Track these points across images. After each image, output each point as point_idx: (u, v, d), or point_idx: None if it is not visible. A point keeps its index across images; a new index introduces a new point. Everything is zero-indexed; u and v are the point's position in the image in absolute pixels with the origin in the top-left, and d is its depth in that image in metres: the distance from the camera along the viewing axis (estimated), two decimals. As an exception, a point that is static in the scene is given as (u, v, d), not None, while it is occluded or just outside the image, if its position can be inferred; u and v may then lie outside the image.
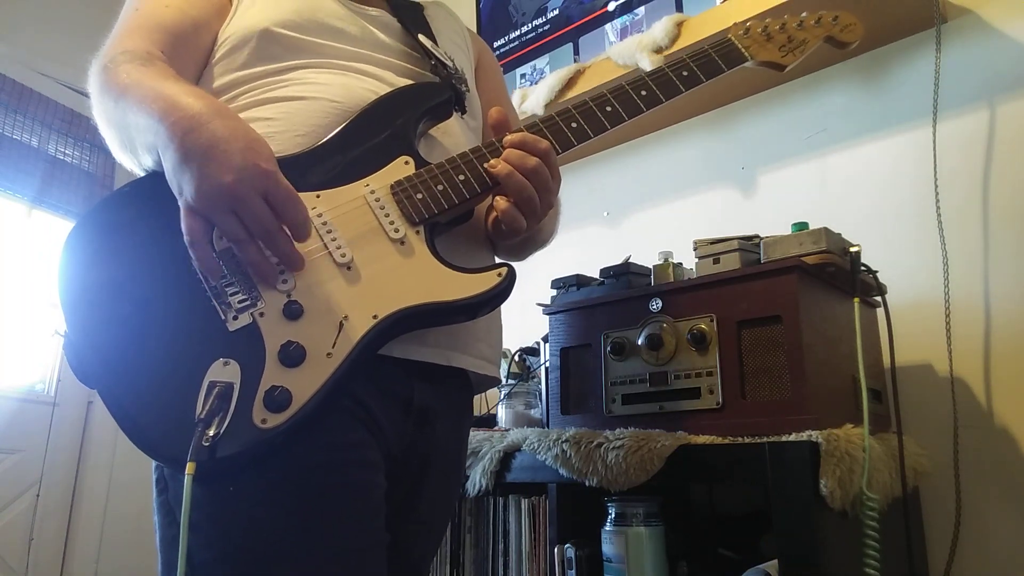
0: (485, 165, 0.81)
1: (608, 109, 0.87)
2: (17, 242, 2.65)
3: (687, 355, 1.13)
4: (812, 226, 1.12)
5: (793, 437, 0.96)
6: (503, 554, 1.33)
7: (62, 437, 2.64)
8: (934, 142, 1.42)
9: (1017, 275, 1.31)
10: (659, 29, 1.63)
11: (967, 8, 1.45)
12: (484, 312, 0.80)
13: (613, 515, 1.13)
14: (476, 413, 1.70)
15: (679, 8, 1.77)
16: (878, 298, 1.23)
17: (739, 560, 1.12)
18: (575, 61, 1.96)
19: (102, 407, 0.68)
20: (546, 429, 1.27)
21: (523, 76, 2.13)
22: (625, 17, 1.90)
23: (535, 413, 1.52)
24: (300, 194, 0.72)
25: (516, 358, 1.62)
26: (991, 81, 1.40)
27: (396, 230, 0.77)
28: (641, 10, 1.86)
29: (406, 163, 0.82)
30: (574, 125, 0.86)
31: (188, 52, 0.87)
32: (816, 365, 1.03)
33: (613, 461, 1.07)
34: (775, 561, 0.94)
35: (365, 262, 0.75)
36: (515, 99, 1.90)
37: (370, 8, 0.97)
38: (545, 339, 1.42)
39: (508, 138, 0.82)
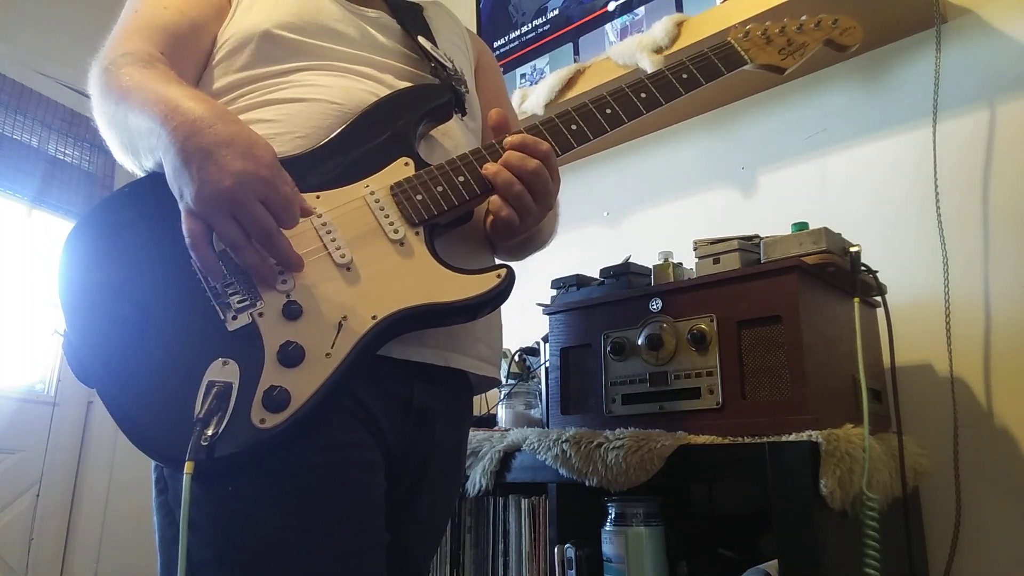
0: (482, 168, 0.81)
1: (608, 111, 0.87)
2: (17, 242, 2.65)
3: (687, 355, 1.13)
4: (812, 226, 1.12)
5: (793, 437, 0.96)
6: (503, 554, 1.33)
7: (62, 437, 2.64)
8: (934, 142, 1.42)
9: (1017, 275, 1.31)
10: (659, 29, 1.63)
11: (967, 8, 1.45)
12: (484, 313, 0.80)
13: (613, 515, 1.13)
14: (476, 413, 1.70)
15: (679, 8, 1.77)
16: (878, 298, 1.23)
17: (739, 560, 1.12)
18: (575, 61, 1.96)
19: (102, 407, 0.68)
20: (546, 429, 1.27)
21: (523, 76, 2.13)
22: (625, 17, 1.90)
23: (535, 413, 1.52)
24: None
25: (516, 358, 1.62)
26: (991, 81, 1.40)
27: (396, 231, 0.77)
28: (641, 10, 1.86)
29: (406, 164, 0.82)
30: (573, 127, 0.86)
31: (188, 53, 0.87)
32: (816, 365, 1.03)
33: (613, 461, 1.07)
34: (775, 561, 0.94)
35: (364, 263, 0.75)
36: (515, 99, 1.90)
37: (369, 10, 0.97)
38: (545, 339, 1.42)
39: (508, 140, 0.82)
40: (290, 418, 0.66)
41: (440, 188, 0.80)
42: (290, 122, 0.82)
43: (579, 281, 1.35)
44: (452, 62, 0.96)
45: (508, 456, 1.29)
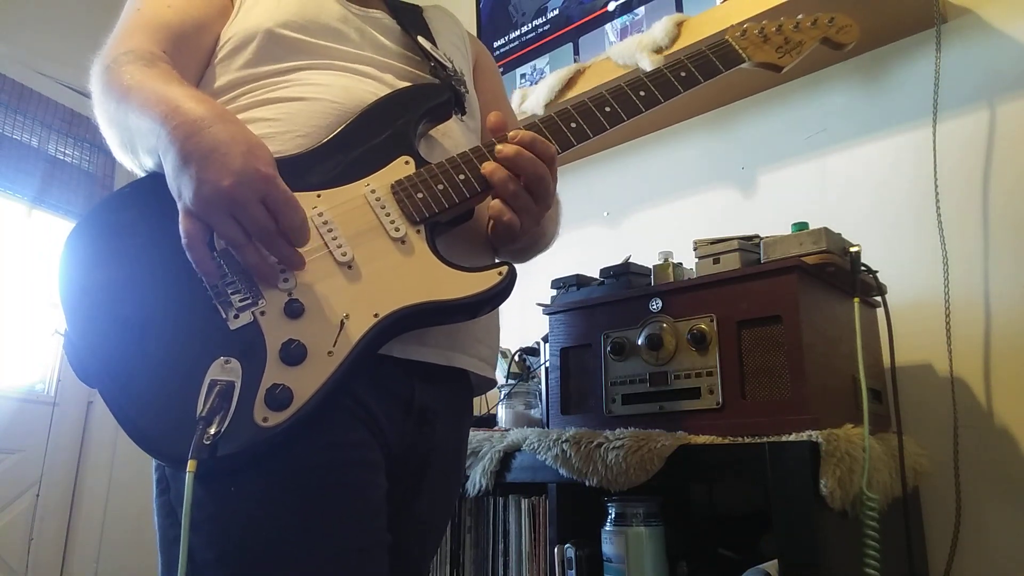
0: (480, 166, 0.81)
1: (607, 109, 0.88)
2: (17, 242, 2.65)
3: (687, 355, 1.13)
4: (812, 226, 1.12)
5: (793, 437, 0.96)
6: (503, 554, 1.33)
7: (62, 437, 2.64)
8: (934, 142, 1.42)
9: (1017, 275, 1.31)
10: (659, 29, 1.63)
11: (967, 8, 1.45)
12: (485, 311, 0.80)
13: (613, 515, 1.13)
14: (476, 413, 1.70)
15: (679, 8, 1.77)
16: (878, 298, 1.23)
17: (739, 560, 1.12)
18: (575, 61, 1.96)
19: (102, 407, 0.68)
20: (546, 429, 1.27)
21: (523, 76, 2.13)
22: (625, 17, 1.90)
23: (535, 413, 1.52)
24: (300, 194, 0.73)
25: (516, 358, 1.62)
26: (991, 81, 1.40)
27: (397, 229, 0.77)
28: (641, 10, 1.86)
29: (406, 163, 0.82)
30: (573, 125, 0.86)
31: (190, 52, 0.87)
32: (816, 365, 1.03)
33: (613, 461, 1.07)
34: (775, 561, 0.94)
35: (366, 261, 0.75)
36: (515, 99, 1.90)
37: (370, 11, 0.98)
38: (545, 339, 1.42)
39: (518, 137, 0.81)
40: (293, 416, 0.66)
41: (441, 186, 0.80)
42: (290, 121, 0.82)
43: (579, 281, 1.35)
44: (452, 62, 0.97)
45: (508, 456, 1.29)
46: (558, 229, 1.03)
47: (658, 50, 1.62)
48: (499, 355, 1.65)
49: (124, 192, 0.78)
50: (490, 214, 0.81)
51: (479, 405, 1.75)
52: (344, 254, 0.75)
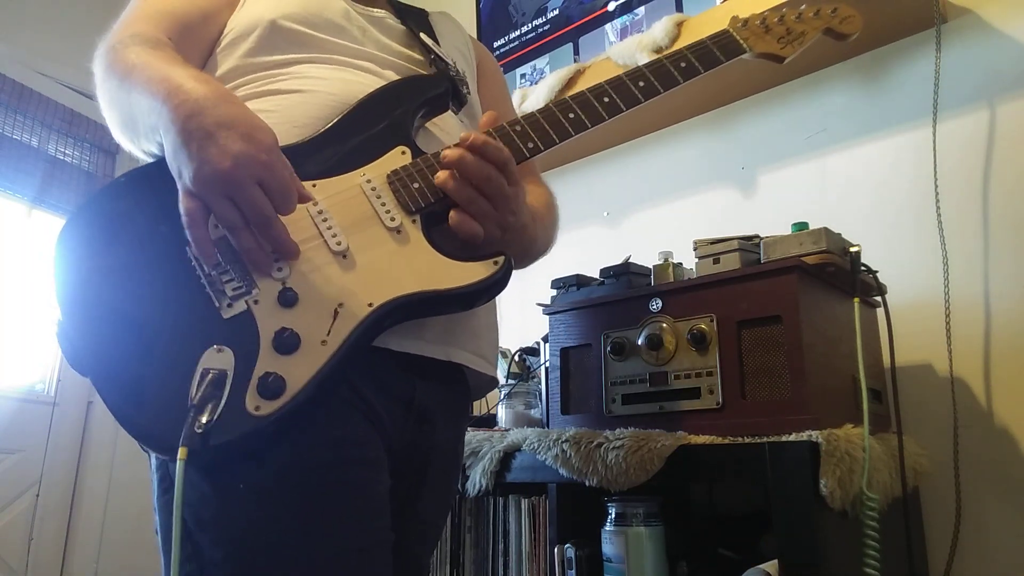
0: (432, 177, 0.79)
1: (606, 100, 0.87)
2: (17, 242, 2.65)
3: (687, 355, 1.13)
4: (812, 226, 1.12)
5: (793, 437, 0.96)
6: (503, 554, 1.33)
7: (62, 437, 2.64)
8: (934, 142, 1.42)
9: (1017, 275, 1.31)
10: (659, 29, 1.63)
11: (967, 8, 1.45)
12: (482, 301, 0.79)
13: (613, 515, 1.13)
14: (476, 413, 1.70)
15: (679, 8, 1.77)
16: (878, 298, 1.23)
17: (739, 560, 1.12)
18: (575, 61, 1.96)
19: (102, 407, 0.68)
20: (546, 429, 1.27)
21: (523, 76, 2.13)
22: (625, 17, 1.90)
23: (535, 413, 1.52)
24: None
25: (516, 358, 1.62)
26: (991, 81, 1.40)
27: (392, 219, 0.77)
28: (641, 10, 1.86)
29: (403, 153, 0.82)
30: (571, 116, 0.85)
31: (195, 42, 0.88)
32: (816, 365, 1.03)
33: (613, 461, 1.07)
34: (775, 561, 0.94)
35: (360, 250, 0.75)
36: (515, 99, 1.90)
37: (375, 10, 0.98)
38: (545, 339, 1.42)
39: (468, 140, 0.77)
40: (285, 405, 0.65)
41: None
42: (287, 112, 0.82)
43: (579, 281, 1.35)
44: (454, 62, 0.97)
45: (508, 456, 1.29)
46: (554, 235, 1.01)
47: (658, 50, 1.62)
48: (499, 355, 1.66)
49: (120, 182, 0.78)
50: (450, 224, 0.77)
51: (479, 405, 1.76)
52: (339, 243, 0.75)
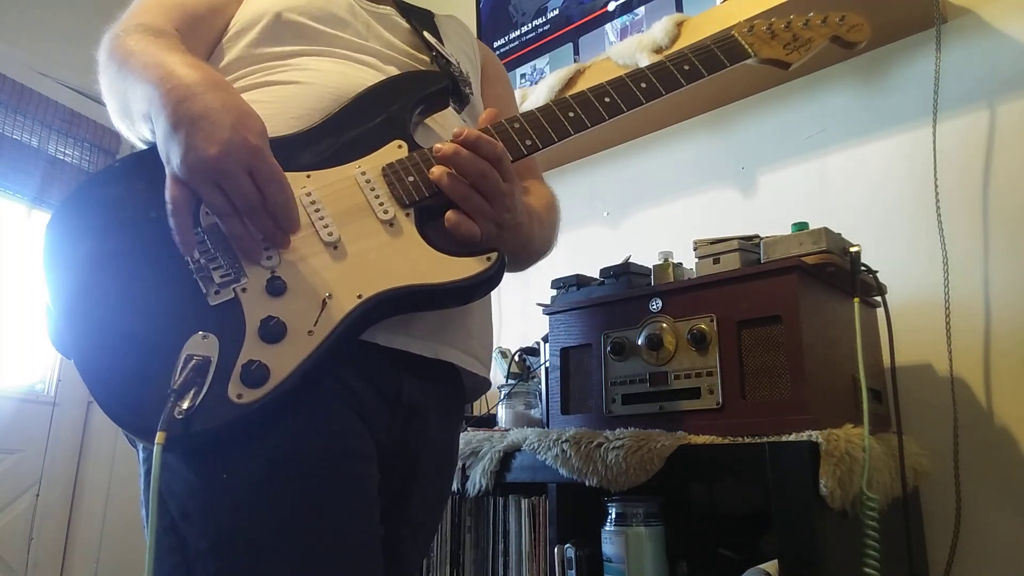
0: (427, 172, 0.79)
1: (607, 100, 0.86)
2: (17, 242, 2.65)
3: (687, 355, 1.13)
4: (812, 226, 1.12)
5: (793, 437, 0.96)
6: (503, 554, 1.33)
7: (62, 437, 2.64)
8: (934, 142, 1.42)
9: (1017, 275, 1.31)
10: (659, 29, 1.63)
11: (967, 8, 1.45)
12: (475, 298, 0.79)
13: (613, 515, 1.13)
14: (476, 413, 1.70)
15: (679, 8, 1.77)
16: (878, 298, 1.23)
17: (739, 560, 1.12)
18: (575, 61, 1.96)
19: (103, 407, 0.67)
20: (546, 429, 1.27)
21: (523, 76, 2.13)
22: (625, 17, 1.90)
23: (535, 413, 1.52)
24: (290, 174, 0.72)
25: (516, 358, 1.62)
26: (991, 81, 1.40)
27: (385, 211, 0.77)
28: (641, 10, 1.86)
29: (399, 147, 0.82)
30: (571, 115, 0.85)
31: (202, 33, 0.89)
32: (816, 365, 1.03)
33: (613, 461, 1.07)
34: (775, 561, 0.94)
35: (352, 241, 0.75)
36: (515, 99, 1.90)
37: (380, 6, 0.98)
38: (545, 339, 1.42)
39: (462, 135, 0.77)
40: (269, 394, 0.65)
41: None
42: (285, 103, 0.82)
43: (579, 281, 1.35)
44: (458, 62, 0.97)
45: (508, 456, 1.29)
46: (554, 235, 1.00)
47: (658, 50, 1.62)
48: (499, 355, 1.66)
49: (113, 167, 0.78)
50: (446, 224, 0.76)
51: (479, 405, 1.76)
52: (330, 234, 0.74)
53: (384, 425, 0.79)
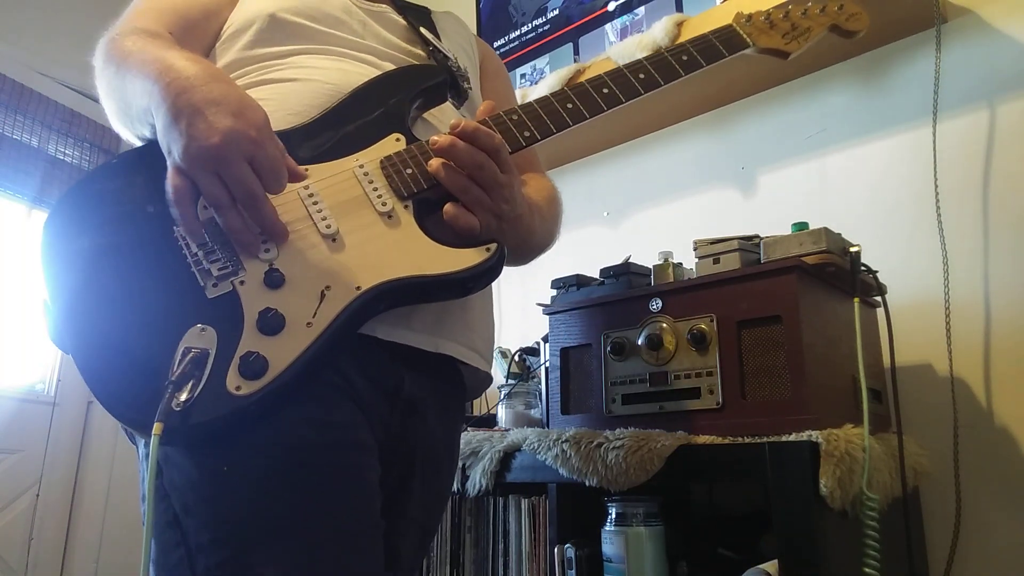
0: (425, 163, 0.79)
1: (605, 91, 0.86)
2: (17, 242, 2.65)
3: (687, 355, 1.12)
4: (812, 226, 1.12)
5: (793, 437, 0.96)
6: (503, 554, 1.33)
7: (62, 437, 2.64)
8: (934, 142, 1.42)
9: (1017, 275, 1.31)
10: (659, 29, 1.63)
11: (967, 8, 1.45)
12: (474, 289, 0.78)
13: (613, 515, 1.13)
14: (476, 413, 1.70)
15: (679, 8, 1.77)
16: (878, 298, 1.23)
17: (739, 560, 1.12)
18: (575, 61, 1.96)
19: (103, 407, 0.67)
20: (546, 429, 1.27)
21: (523, 76, 2.13)
22: (625, 17, 1.90)
23: (535, 413, 1.52)
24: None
25: (516, 358, 1.62)
26: (991, 81, 1.40)
27: (384, 203, 0.77)
28: (641, 10, 1.86)
29: (397, 140, 0.82)
30: (569, 106, 0.84)
31: (196, 37, 0.89)
32: (816, 365, 1.03)
33: (613, 461, 1.07)
34: (775, 561, 0.94)
35: (350, 234, 0.74)
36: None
37: (375, 4, 0.98)
38: (545, 339, 1.42)
39: (459, 127, 0.77)
40: (267, 386, 0.64)
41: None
42: (283, 100, 0.83)
43: (579, 281, 1.35)
44: (456, 58, 0.97)
45: (508, 456, 1.29)
46: (556, 228, 1.00)
47: (658, 50, 1.62)
48: (499, 355, 1.66)
49: (112, 163, 0.78)
50: (445, 217, 0.76)
51: (479, 405, 1.76)
52: (328, 226, 0.74)
53: (383, 419, 0.78)
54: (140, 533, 0.63)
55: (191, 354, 0.65)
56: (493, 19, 2.28)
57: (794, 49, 0.95)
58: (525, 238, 0.88)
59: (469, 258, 0.74)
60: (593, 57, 1.84)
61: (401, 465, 0.82)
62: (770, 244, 1.13)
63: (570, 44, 2.03)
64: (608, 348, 1.21)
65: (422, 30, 0.97)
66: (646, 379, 1.16)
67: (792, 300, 1.03)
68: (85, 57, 0.86)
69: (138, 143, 0.82)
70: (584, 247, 1.91)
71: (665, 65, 0.88)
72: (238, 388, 0.64)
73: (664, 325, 1.16)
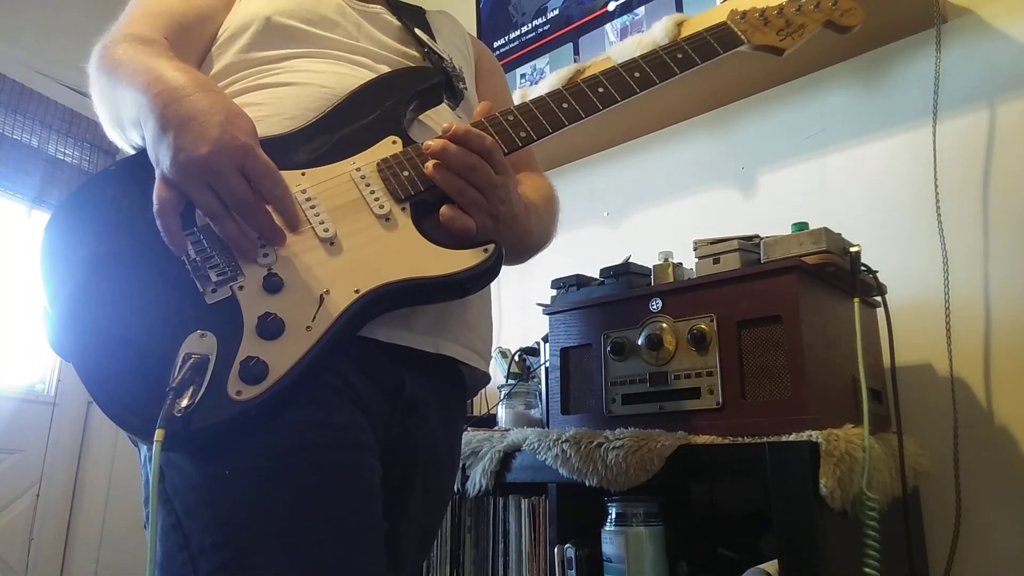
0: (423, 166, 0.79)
1: (600, 90, 0.86)
2: (17, 242, 2.65)
3: (687, 355, 1.13)
4: (812, 226, 1.12)
5: (793, 437, 0.96)
6: (503, 554, 1.33)
7: (62, 437, 2.64)
8: (934, 142, 1.42)
9: (1017, 275, 1.31)
10: (659, 29, 1.63)
11: (967, 8, 1.45)
12: (472, 291, 0.78)
13: (613, 515, 1.13)
14: (476, 413, 1.71)
15: (679, 8, 1.77)
16: (878, 298, 1.23)
17: (739, 560, 1.12)
18: (575, 61, 1.96)
19: (103, 407, 0.68)
20: (546, 429, 1.27)
21: (523, 76, 2.13)
22: (625, 17, 1.90)
23: (535, 413, 1.52)
24: (284, 172, 0.72)
25: (516, 358, 1.62)
26: (991, 81, 1.40)
27: (381, 206, 0.77)
28: (641, 10, 1.86)
29: (393, 143, 0.82)
30: (565, 105, 0.85)
31: (191, 43, 0.89)
32: (816, 365, 1.03)
33: (613, 461, 1.07)
34: (775, 561, 0.94)
35: (348, 237, 0.75)
36: (515, 99, 1.90)
37: (370, 5, 0.98)
38: (545, 339, 1.42)
39: (450, 131, 0.77)
40: (268, 390, 0.65)
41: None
42: (279, 104, 0.83)
43: (579, 281, 1.35)
44: (451, 58, 0.97)
45: (508, 456, 1.29)
46: (553, 227, 1.00)
47: (654, 49, 1.62)
48: (499, 355, 1.66)
49: (110, 170, 0.78)
50: (441, 219, 0.76)
51: (479, 405, 1.76)
52: (326, 230, 0.74)
53: (384, 420, 0.79)
54: (140, 533, 0.63)
55: (191, 360, 0.65)
56: (493, 19, 2.28)
57: (789, 46, 0.95)
58: (522, 238, 0.88)
59: (467, 259, 0.75)
60: (593, 57, 1.84)
61: (402, 465, 0.82)
62: (770, 244, 1.13)
63: (570, 44, 2.03)
64: (608, 348, 1.21)
65: (416, 31, 0.97)
66: (646, 379, 1.16)
67: (792, 300, 1.03)
68: (85, 57, 0.86)
69: (131, 151, 0.82)
70: (584, 247, 1.91)
71: (660, 63, 0.88)
72: (239, 393, 0.64)
73: (664, 325, 1.16)
